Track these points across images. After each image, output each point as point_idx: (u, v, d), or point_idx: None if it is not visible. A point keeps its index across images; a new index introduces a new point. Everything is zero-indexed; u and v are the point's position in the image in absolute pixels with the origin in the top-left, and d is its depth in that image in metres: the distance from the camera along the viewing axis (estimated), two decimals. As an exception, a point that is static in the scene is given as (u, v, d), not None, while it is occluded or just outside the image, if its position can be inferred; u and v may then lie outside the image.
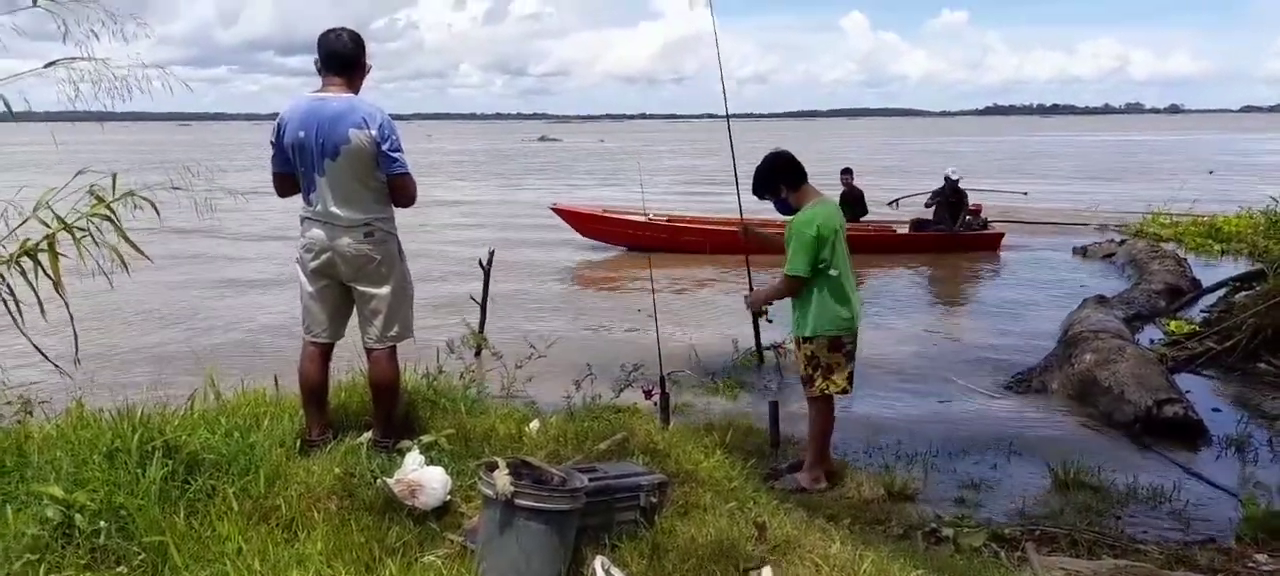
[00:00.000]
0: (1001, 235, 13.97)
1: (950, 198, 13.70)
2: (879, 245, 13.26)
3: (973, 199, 14.31)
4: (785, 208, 4.65)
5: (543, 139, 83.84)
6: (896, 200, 15.19)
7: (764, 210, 5.01)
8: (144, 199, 4.35)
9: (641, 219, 14.22)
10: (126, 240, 4.13)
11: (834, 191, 11.42)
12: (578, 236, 14.67)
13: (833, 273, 4.49)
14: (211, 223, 9.88)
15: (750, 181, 4.73)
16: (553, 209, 15.31)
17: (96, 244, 4.02)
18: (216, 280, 12.40)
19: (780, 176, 4.62)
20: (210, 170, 4.67)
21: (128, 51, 3.90)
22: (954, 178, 13.75)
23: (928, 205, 14.10)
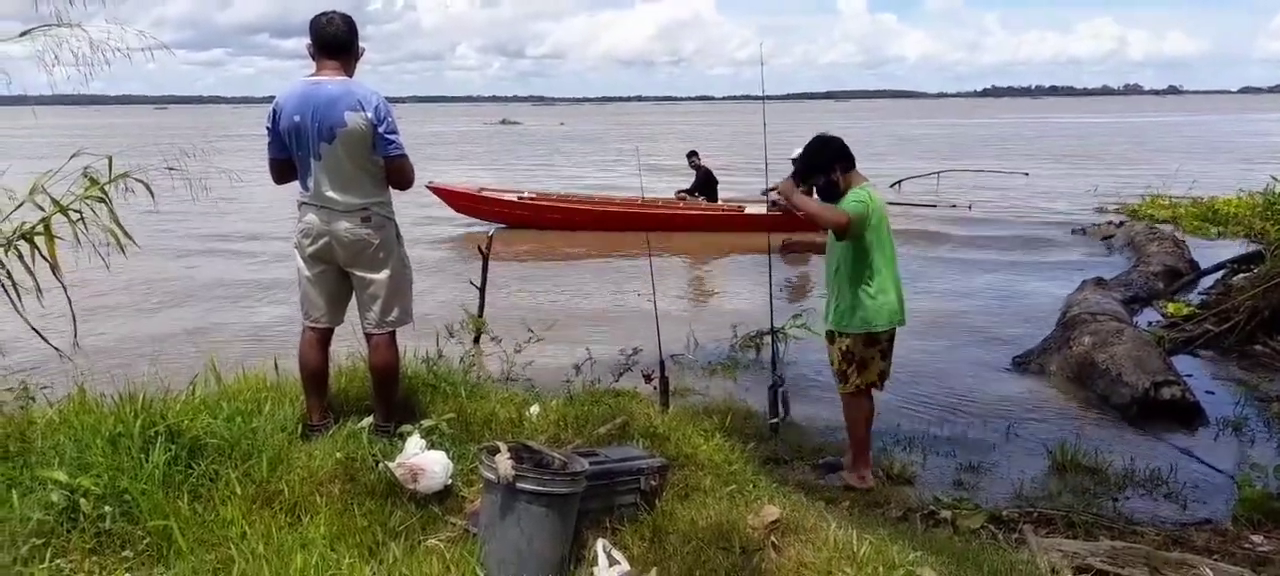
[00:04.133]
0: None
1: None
2: (729, 225, 13.83)
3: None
4: (833, 191, 4.41)
5: (504, 122, 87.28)
6: (899, 183, 15.10)
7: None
8: (138, 181, 4.36)
9: (512, 198, 15.05)
10: (118, 225, 4.14)
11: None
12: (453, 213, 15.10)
13: (875, 261, 4.26)
14: (207, 206, 9.89)
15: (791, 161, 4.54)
16: (429, 187, 15.15)
17: (87, 228, 4.02)
18: (215, 262, 12.38)
19: (836, 157, 4.40)
20: (204, 152, 4.66)
21: (121, 33, 3.88)
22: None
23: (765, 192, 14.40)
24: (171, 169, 4.67)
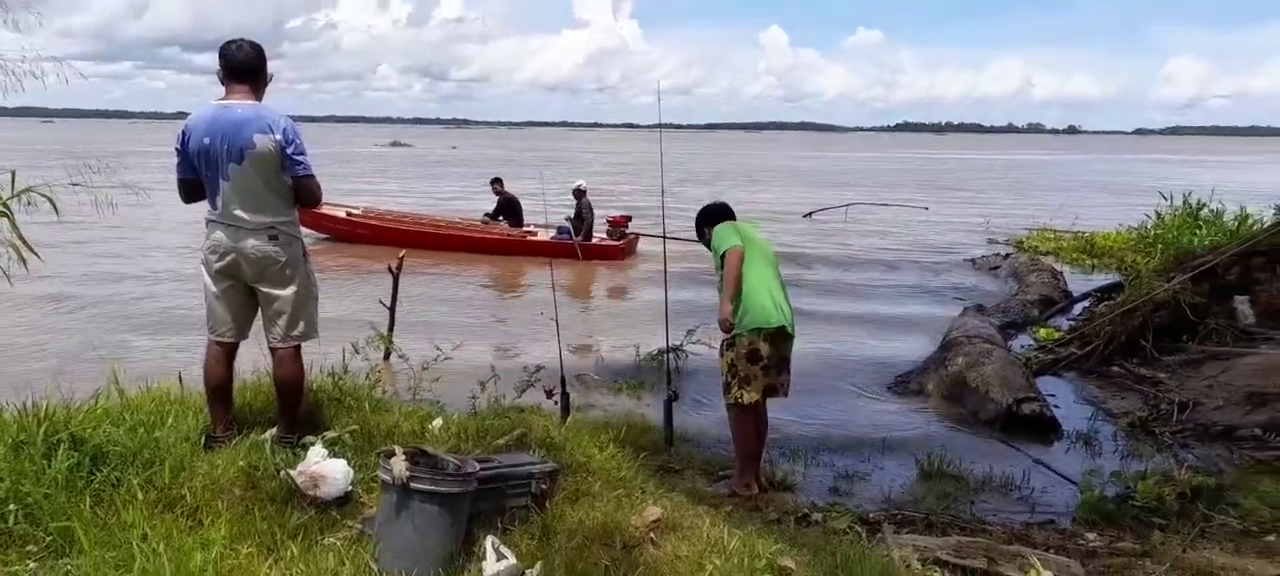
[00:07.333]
0: (622, 247, 14.95)
1: (581, 212, 14.85)
2: (511, 249, 15.03)
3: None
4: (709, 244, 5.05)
5: (394, 144, 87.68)
6: (810, 214, 15.58)
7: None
8: (43, 195, 4.41)
9: (341, 213, 15.80)
10: (21, 239, 4.19)
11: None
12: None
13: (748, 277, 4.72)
14: (113, 220, 9.76)
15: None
16: None
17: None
18: (118, 277, 12.10)
19: (701, 223, 5.18)
20: (110, 168, 4.72)
21: (25, 43, 3.95)
22: (582, 189, 15.02)
23: (567, 219, 15.33)
24: (76, 185, 4.72)
